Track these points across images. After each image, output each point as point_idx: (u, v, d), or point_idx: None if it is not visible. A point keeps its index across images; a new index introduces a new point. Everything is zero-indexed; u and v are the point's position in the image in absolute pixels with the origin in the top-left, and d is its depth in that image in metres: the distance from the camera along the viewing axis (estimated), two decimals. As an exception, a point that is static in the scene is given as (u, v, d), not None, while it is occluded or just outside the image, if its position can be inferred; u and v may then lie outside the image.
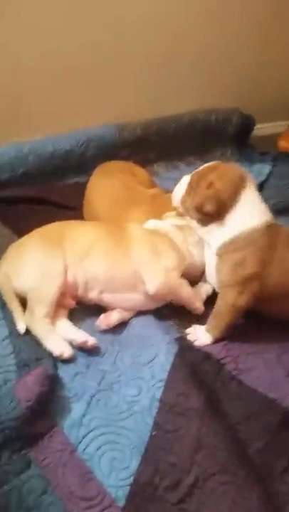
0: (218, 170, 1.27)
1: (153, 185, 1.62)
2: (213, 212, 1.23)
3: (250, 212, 1.24)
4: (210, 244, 1.28)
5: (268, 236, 1.24)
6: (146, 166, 1.76)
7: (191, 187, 1.30)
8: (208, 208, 1.22)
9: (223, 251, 1.24)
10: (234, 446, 1.02)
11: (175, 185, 1.45)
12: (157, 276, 1.25)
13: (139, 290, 1.26)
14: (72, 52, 1.60)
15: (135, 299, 1.27)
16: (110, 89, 1.73)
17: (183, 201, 1.33)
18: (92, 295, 1.26)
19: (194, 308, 1.31)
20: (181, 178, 1.42)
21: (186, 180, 1.34)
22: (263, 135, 1.97)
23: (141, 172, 1.63)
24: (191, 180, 1.32)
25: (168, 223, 1.37)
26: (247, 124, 1.88)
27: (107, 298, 1.26)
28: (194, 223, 1.31)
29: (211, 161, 1.72)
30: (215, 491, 0.96)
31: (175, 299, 1.29)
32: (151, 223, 1.38)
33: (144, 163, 1.75)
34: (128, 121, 1.73)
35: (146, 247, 1.28)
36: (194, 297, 1.31)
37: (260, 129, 1.97)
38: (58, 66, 1.61)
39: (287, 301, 1.26)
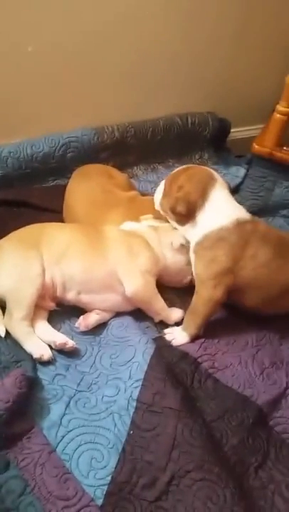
0: (188, 172, 1.35)
1: (131, 187, 1.64)
2: (184, 213, 1.31)
3: (219, 211, 1.31)
4: (190, 243, 1.35)
5: (239, 233, 1.29)
6: (126, 169, 1.79)
7: (166, 191, 1.39)
8: (179, 208, 1.31)
9: (199, 248, 1.31)
10: (209, 444, 1.05)
11: (153, 188, 1.51)
12: (135, 277, 1.27)
13: (116, 291, 1.28)
14: (50, 56, 1.60)
15: (112, 299, 1.29)
16: (88, 93, 1.74)
17: (161, 204, 1.42)
18: (70, 296, 1.27)
19: (164, 316, 1.31)
20: (160, 180, 1.50)
21: (162, 185, 1.43)
22: (239, 138, 2.01)
23: (119, 175, 1.65)
24: (164, 184, 1.40)
25: (144, 225, 1.40)
26: (223, 127, 1.91)
27: (84, 299, 1.27)
28: (176, 224, 1.39)
29: (189, 163, 1.78)
30: (190, 488, 0.98)
31: (146, 305, 1.30)
32: (128, 225, 1.40)
33: (123, 166, 1.77)
34: (106, 125, 1.74)
35: (122, 248, 1.30)
36: (166, 311, 1.32)
37: (236, 133, 2.00)
38: (36, 70, 1.61)
39: (259, 294, 1.31)
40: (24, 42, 1.56)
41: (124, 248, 1.30)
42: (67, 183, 1.61)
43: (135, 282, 1.27)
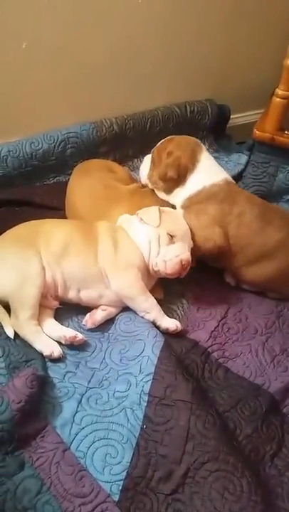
0: (174, 140, 1.46)
1: (132, 180, 1.62)
2: (175, 177, 1.40)
3: (209, 170, 1.42)
4: (176, 204, 1.44)
5: (228, 191, 1.39)
6: (126, 162, 1.77)
7: (154, 162, 1.48)
8: (171, 173, 1.40)
9: (188, 203, 1.40)
10: (223, 434, 1.05)
11: None
12: (119, 273, 1.26)
13: (110, 287, 1.27)
14: (44, 52, 1.58)
15: (109, 295, 1.27)
16: (85, 87, 1.71)
17: (150, 176, 1.50)
18: (72, 294, 1.26)
19: (154, 316, 1.26)
20: None
21: (148, 158, 1.51)
22: (239, 125, 1.98)
23: (119, 169, 1.64)
24: (152, 156, 1.49)
25: (135, 217, 1.35)
26: (223, 113, 1.89)
27: (84, 296, 1.27)
28: (162, 194, 1.47)
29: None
30: (206, 480, 0.98)
31: (132, 302, 1.27)
32: (122, 218, 1.38)
33: (123, 159, 1.76)
34: (104, 119, 1.72)
35: (108, 243, 1.28)
36: (157, 311, 1.27)
37: (236, 119, 1.97)
38: (31, 66, 1.59)
39: (240, 256, 1.36)
40: (18, 39, 1.54)
41: (110, 244, 1.28)
42: (68, 179, 1.60)
43: (119, 278, 1.26)
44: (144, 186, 1.53)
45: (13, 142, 1.68)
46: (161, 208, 1.34)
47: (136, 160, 1.80)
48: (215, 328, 1.30)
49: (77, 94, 1.72)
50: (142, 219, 1.31)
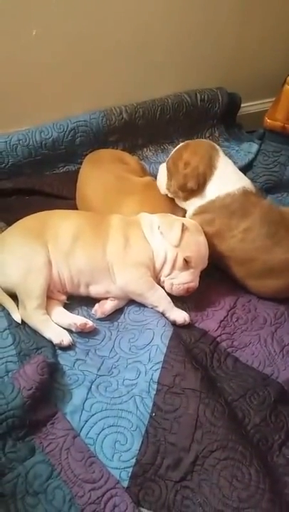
0: (189, 148, 1.40)
1: (144, 172, 1.61)
2: (196, 187, 1.35)
3: (227, 177, 1.37)
4: (189, 210, 1.41)
5: (242, 203, 1.33)
6: (136, 151, 1.76)
7: (170, 172, 1.42)
8: (190, 184, 1.36)
9: (199, 211, 1.37)
10: (232, 423, 1.05)
11: None
12: (126, 270, 1.25)
13: (115, 281, 1.27)
14: (54, 40, 1.57)
15: (115, 290, 1.27)
16: (95, 75, 1.71)
17: (168, 187, 1.45)
18: (81, 290, 1.26)
19: (163, 309, 1.25)
20: None
21: (163, 167, 1.46)
22: (250, 113, 1.96)
23: (131, 160, 1.62)
24: (168, 166, 1.44)
25: (156, 220, 1.32)
26: (233, 102, 1.87)
27: (93, 290, 1.27)
28: (180, 201, 1.43)
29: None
30: (215, 468, 0.99)
31: (139, 297, 1.26)
32: (141, 215, 1.35)
33: (133, 148, 1.75)
34: (114, 107, 1.71)
35: (119, 239, 1.27)
36: (165, 304, 1.26)
37: (247, 108, 1.95)
38: (41, 54, 1.59)
39: (243, 268, 1.33)
40: (29, 26, 1.53)
41: (121, 239, 1.27)
42: (78, 168, 1.60)
43: (126, 275, 1.25)
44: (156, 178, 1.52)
45: (23, 131, 1.68)
46: (184, 223, 1.29)
47: (145, 149, 1.79)
48: (224, 317, 1.30)
49: (87, 82, 1.71)
50: (162, 233, 1.28)
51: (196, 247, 1.28)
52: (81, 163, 1.61)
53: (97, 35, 1.64)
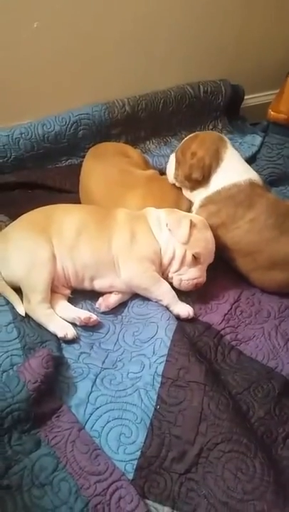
0: (198, 139, 1.41)
1: (147, 165, 1.60)
2: (200, 178, 1.37)
3: (233, 169, 1.38)
4: (195, 202, 1.42)
5: (248, 194, 1.34)
6: (139, 144, 1.75)
7: (178, 161, 1.44)
8: (196, 174, 1.37)
9: (206, 201, 1.38)
10: (236, 416, 1.05)
11: (167, 162, 1.50)
12: (131, 264, 1.24)
13: (120, 275, 1.26)
14: (56, 32, 1.56)
15: (119, 285, 1.27)
16: (96, 68, 1.70)
17: (175, 176, 1.46)
18: (86, 284, 1.26)
19: (167, 303, 1.25)
20: (171, 154, 1.55)
21: (173, 157, 1.48)
22: (253, 105, 1.94)
23: (135, 153, 1.61)
24: (176, 155, 1.46)
25: (163, 216, 1.31)
26: (236, 94, 1.85)
27: (98, 284, 1.26)
28: (187, 192, 1.44)
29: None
30: (220, 460, 0.99)
31: (144, 291, 1.26)
32: (148, 210, 1.34)
33: (135, 141, 1.74)
34: (116, 99, 1.70)
35: (125, 233, 1.27)
36: (170, 298, 1.25)
37: (250, 100, 1.93)
38: (43, 46, 1.57)
39: (248, 260, 1.33)
40: (30, 18, 1.52)
41: (127, 234, 1.27)
42: (81, 162, 1.59)
43: (130, 269, 1.24)
44: (161, 173, 1.52)
45: (25, 124, 1.68)
46: (192, 220, 1.28)
47: (148, 142, 1.78)
48: (228, 311, 1.30)
49: (89, 74, 1.70)
50: (170, 230, 1.27)
51: (205, 243, 1.28)
52: (84, 157, 1.61)
53: (99, 28, 1.63)
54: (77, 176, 1.57)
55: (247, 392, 1.13)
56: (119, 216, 1.30)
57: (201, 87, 1.78)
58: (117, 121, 1.69)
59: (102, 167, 1.49)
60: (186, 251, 1.26)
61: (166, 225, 1.28)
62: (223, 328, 1.26)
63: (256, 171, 1.43)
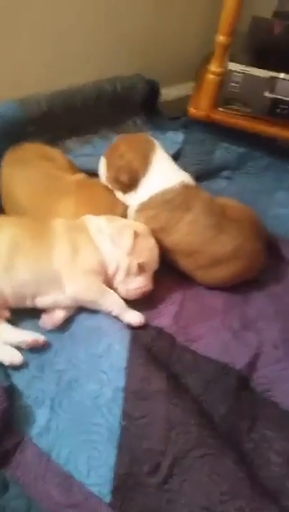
0: (126, 140, 1.39)
1: (74, 168, 1.50)
2: (127, 182, 1.34)
3: (163, 174, 1.35)
4: (131, 206, 1.38)
5: (184, 196, 1.33)
6: (58, 143, 1.64)
7: (108, 163, 1.40)
8: (123, 177, 1.34)
9: (141, 207, 1.35)
10: (202, 418, 1.06)
11: (91, 162, 1.48)
12: (75, 279, 1.17)
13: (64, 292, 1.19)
14: None
15: (64, 301, 1.19)
16: (8, 62, 1.55)
17: (106, 177, 1.42)
18: (27, 302, 1.17)
19: (117, 313, 1.20)
20: (97, 153, 1.51)
21: (103, 158, 1.43)
22: (170, 100, 1.94)
23: (58, 155, 1.50)
24: (106, 156, 1.42)
25: (103, 223, 1.26)
26: (152, 89, 1.82)
27: (40, 302, 1.18)
28: (119, 194, 1.40)
29: (123, 132, 1.72)
30: (193, 466, 0.98)
31: (91, 304, 1.20)
32: (88, 219, 1.27)
33: (54, 140, 1.62)
34: (31, 96, 1.57)
35: (66, 245, 1.19)
36: (119, 307, 1.20)
37: (167, 94, 1.92)
38: None
39: (190, 260, 1.34)
40: None
41: (68, 247, 1.19)
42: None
43: (76, 284, 1.17)
44: (88, 174, 1.45)
45: None
46: (135, 229, 1.24)
47: (68, 141, 1.68)
48: (176, 312, 1.29)
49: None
50: (112, 241, 1.22)
51: (149, 251, 1.25)
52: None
53: (10, 22, 1.49)
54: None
55: (206, 392, 1.14)
56: (57, 228, 1.21)
57: (117, 83, 1.72)
58: (33, 119, 1.55)
59: (24, 174, 1.37)
60: (130, 261, 1.22)
61: (109, 235, 1.23)
62: (175, 330, 1.25)
63: (182, 169, 1.43)
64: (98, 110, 1.67)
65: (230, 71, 1.52)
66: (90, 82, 1.66)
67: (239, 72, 1.51)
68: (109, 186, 1.41)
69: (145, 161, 1.34)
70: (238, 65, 1.51)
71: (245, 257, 1.34)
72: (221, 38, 1.45)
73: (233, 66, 1.52)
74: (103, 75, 1.72)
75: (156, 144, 1.39)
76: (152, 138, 1.41)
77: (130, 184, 1.35)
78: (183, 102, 1.71)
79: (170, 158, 1.41)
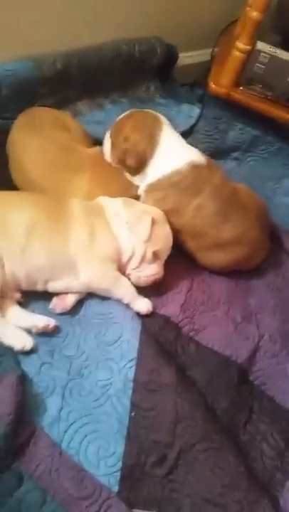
0: (131, 120, 1.31)
1: (88, 140, 1.42)
2: (135, 166, 1.29)
3: (171, 155, 1.30)
4: (140, 187, 1.33)
5: (193, 178, 1.29)
6: (69, 105, 1.53)
7: (112, 142, 1.34)
8: (130, 162, 1.29)
9: (150, 188, 1.31)
10: (207, 413, 1.10)
11: (104, 130, 1.39)
12: (91, 266, 1.15)
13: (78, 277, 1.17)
14: None
15: (76, 287, 1.17)
16: (21, 19, 1.39)
17: (112, 158, 1.35)
18: (38, 286, 1.14)
19: (128, 301, 1.20)
20: (108, 120, 1.43)
21: (108, 134, 1.36)
22: (183, 65, 1.82)
23: (74, 125, 1.40)
24: (110, 135, 1.35)
25: (120, 207, 1.22)
26: (170, 54, 1.71)
27: (52, 287, 1.15)
28: (128, 175, 1.34)
29: (135, 97, 1.61)
30: (197, 459, 1.03)
31: (105, 292, 1.19)
32: (103, 200, 1.23)
33: (65, 102, 1.52)
34: (46, 55, 1.44)
35: (84, 231, 1.15)
36: (131, 296, 1.20)
37: (181, 59, 1.80)
38: None
39: (194, 242, 1.33)
40: None
41: (86, 231, 1.15)
42: (5, 125, 1.34)
43: (92, 271, 1.15)
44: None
45: None
46: (154, 216, 1.21)
47: (79, 103, 1.57)
48: (184, 301, 1.29)
49: (13, 26, 1.40)
50: (130, 228, 1.19)
51: (165, 239, 1.24)
52: (8, 118, 1.36)
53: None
54: (2, 142, 1.33)
55: (210, 385, 1.17)
56: (75, 210, 1.16)
57: (136, 45, 1.59)
58: (47, 79, 1.44)
59: (36, 142, 1.28)
60: (146, 249, 1.20)
61: (126, 222, 1.19)
62: (181, 320, 1.26)
63: (192, 145, 1.38)
64: (113, 71, 1.55)
65: (259, 51, 1.43)
66: (107, 41, 1.52)
67: (267, 53, 1.43)
68: (113, 164, 1.35)
69: (152, 142, 1.28)
70: (267, 45, 1.42)
71: (247, 244, 1.34)
72: (254, 14, 1.35)
73: (261, 46, 1.43)
74: (122, 35, 1.57)
75: (163, 121, 1.32)
76: (159, 115, 1.34)
77: (138, 167, 1.30)
78: (196, 68, 1.61)
79: (179, 135, 1.35)
